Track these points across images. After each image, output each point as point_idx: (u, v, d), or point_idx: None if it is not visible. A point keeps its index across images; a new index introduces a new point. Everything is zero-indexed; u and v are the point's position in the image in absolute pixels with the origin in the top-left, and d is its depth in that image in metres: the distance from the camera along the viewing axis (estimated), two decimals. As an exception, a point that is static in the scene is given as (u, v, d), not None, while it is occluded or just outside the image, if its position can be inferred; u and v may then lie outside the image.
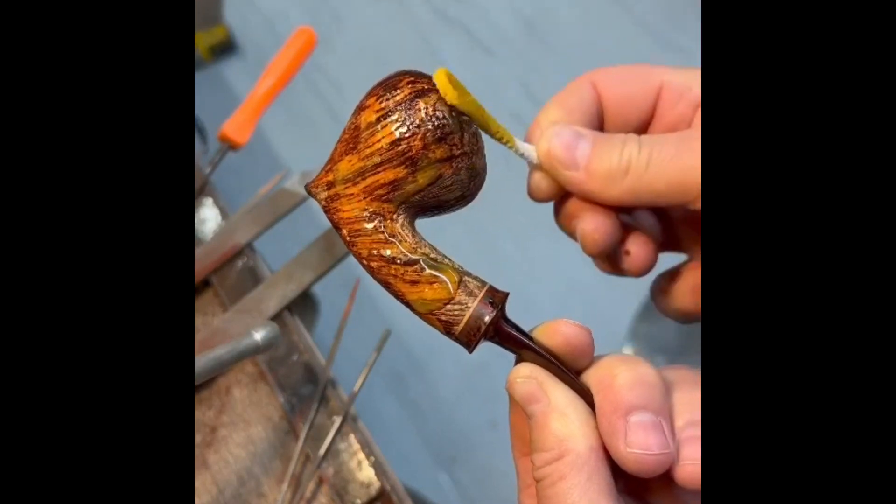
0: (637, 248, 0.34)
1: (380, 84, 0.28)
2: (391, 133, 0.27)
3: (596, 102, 0.34)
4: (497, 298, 0.28)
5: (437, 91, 0.28)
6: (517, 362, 0.29)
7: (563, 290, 1.27)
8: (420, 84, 0.28)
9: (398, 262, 0.28)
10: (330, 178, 0.29)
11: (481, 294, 0.28)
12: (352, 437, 0.54)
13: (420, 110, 0.27)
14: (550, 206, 0.35)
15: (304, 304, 0.63)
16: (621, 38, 1.61)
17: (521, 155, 0.32)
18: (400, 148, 0.27)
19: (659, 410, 0.26)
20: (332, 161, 0.29)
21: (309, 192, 0.29)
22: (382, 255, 0.28)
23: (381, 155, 0.27)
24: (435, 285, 0.28)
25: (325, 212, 0.29)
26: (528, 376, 0.28)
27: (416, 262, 0.28)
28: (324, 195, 0.29)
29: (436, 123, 0.27)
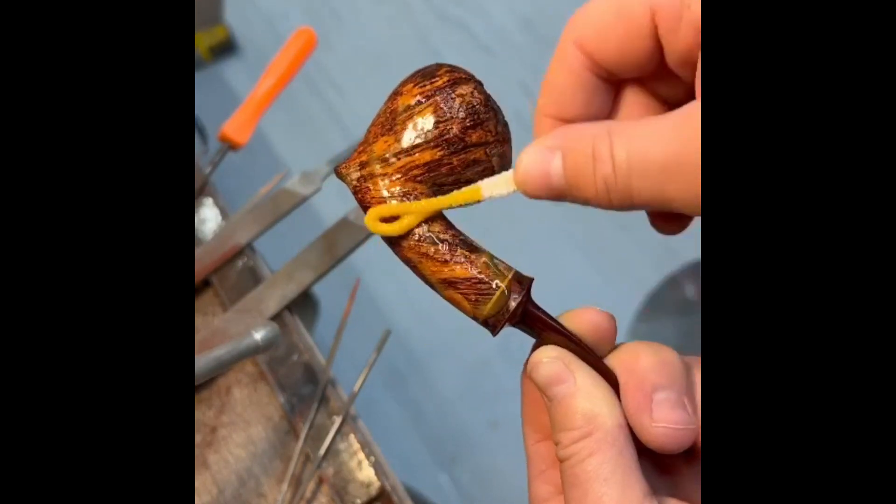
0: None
1: (417, 72, 0.29)
2: (430, 116, 0.28)
3: (588, 66, 0.30)
4: (525, 281, 0.28)
5: (473, 80, 0.29)
6: (535, 348, 0.29)
7: (563, 289, 1.27)
8: (458, 73, 0.29)
9: (430, 241, 0.28)
10: (364, 158, 0.29)
11: (510, 275, 0.28)
12: (352, 437, 0.54)
13: (458, 96, 0.29)
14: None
15: (304, 304, 0.63)
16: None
17: (503, 195, 0.29)
18: (438, 130, 0.28)
19: (681, 389, 0.27)
20: (366, 143, 0.29)
21: (338, 174, 0.29)
22: (414, 232, 0.28)
23: (419, 136, 0.28)
24: (465, 264, 0.28)
25: (355, 192, 0.29)
26: (555, 357, 0.28)
27: (447, 241, 0.28)
28: (356, 175, 0.29)
29: (473, 109, 0.29)
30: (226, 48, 1.65)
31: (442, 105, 0.28)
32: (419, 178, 0.28)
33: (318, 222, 1.29)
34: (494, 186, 0.29)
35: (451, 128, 0.28)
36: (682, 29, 0.27)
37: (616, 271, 1.33)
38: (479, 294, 0.28)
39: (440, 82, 0.29)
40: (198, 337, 0.57)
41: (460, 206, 0.29)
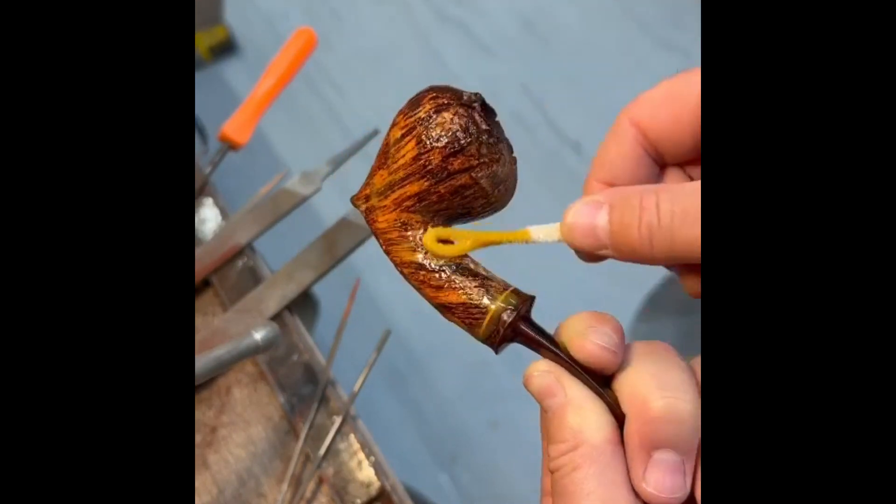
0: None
1: (409, 101, 0.30)
2: (413, 148, 0.29)
3: (640, 143, 0.32)
4: (518, 301, 0.29)
5: (456, 104, 0.29)
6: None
7: (563, 289, 1.27)
8: (441, 99, 0.29)
9: (426, 268, 0.30)
10: (367, 191, 0.31)
11: (501, 297, 0.29)
12: (352, 437, 0.54)
13: (438, 125, 0.29)
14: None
15: (304, 304, 0.63)
16: (621, 38, 1.61)
17: (549, 241, 0.31)
18: (420, 162, 0.29)
19: (686, 449, 0.26)
20: (370, 176, 0.31)
21: (354, 205, 0.31)
22: (413, 262, 0.30)
23: (405, 169, 0.30)
24: (458, 290, 0.29)
25: (367, 222, 0.31)
26: (546, 371, 0.29)
27: (441, 269, 0.30)
28: (363, 207, 0.31)
29: (453, 136, 0.29)
30: (226, 48, 1.65)
31: (423, 136, 0.29)
32: (412, 209, 0.30)
33: (318, 222, 1.29)
34: (542, 232, 0.30)
35: (432, 158, 0.29)
36: None
37: (616, 271, 1.33)
38: (472, 318, 0.29)
39: (422, 113, 0.29)
40: (198, 337, 0.57)
41: (511, 242, 0.30)
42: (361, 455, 0.54)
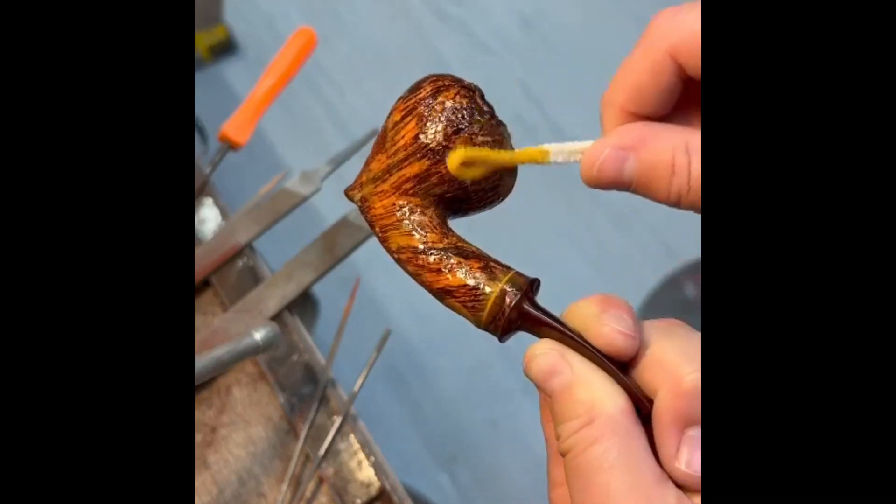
0: None
1: (408, 88, 0.30)
2: (413, 128, 0.29)
3: (676, 73, 0.28)
4: (521, 282, 0.28)
5: (457, 85, 0.29)
6: None
7: (564, 288, 1.27)
8: (441, 81, 0.29)
9: (424, 252, 0.29)
10: (364, 178, 0.30)
11: (505, 279, 0.28)
12: (352, 437, 0.54)
13: (439, 105, 0.29)
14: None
15: (304, 304, 0.63)
16: (621, 39, 1.60)
17: (566, 163, 0.30)
18: (421, 141, 0.29)
19: None
20: (367, 163, 0.30)
21: (348, 197, 0.31)
22: (410, 247, 0.29)
23: (405, 150, 0.29)
24: (458, 273, 0.28)
25: (362, 211, 0.30)
26: (550, 349, 0.27)
27: (441, 251, 0.29)
28: (358, 195, 0.30)
29: (454, 115, 0.29)
30: (226, 48, 1.65)
31: (424, 115, 0.29)
32: (411, 192, 0.29)
33: (318, 222, 1.29)
34: (561, 154, 0.29)
35: (434, 137, 0.29)
36: None
37: (616, 271, 1.33)
38: (475, 300, 0.28)
39: (423, 94, 0.29)
40: (198, 337, 0.57)
41: (527, 163, 0.29)
42: (361, 455, 0.54)
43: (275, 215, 0.63)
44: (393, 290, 1.33)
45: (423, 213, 0.29)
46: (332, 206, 0.92)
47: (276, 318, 0.59)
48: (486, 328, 0.28)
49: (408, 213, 0.29)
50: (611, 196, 1.43)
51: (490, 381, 1.28)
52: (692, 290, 1.27)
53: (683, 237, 1.32)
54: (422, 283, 0.29)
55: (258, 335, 0.44)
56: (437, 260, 0.29)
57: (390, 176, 0.29)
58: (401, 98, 0.30)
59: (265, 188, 0.66)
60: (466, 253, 0.29)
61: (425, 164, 0.29)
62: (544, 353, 0.27)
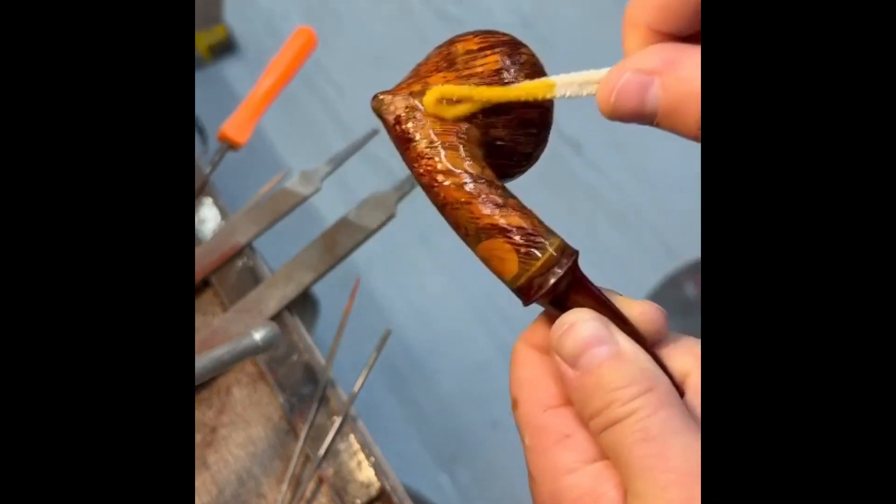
0: None
1: (472, 32, 0.29)
2: (496, 62, 0.28)
3: None
4: (570, 249, 0.27)
5: (529, 48, 0.29)
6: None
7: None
8: (517, 39, 0.29)
9: (482, 181, 0.27)
10: (416, 88, 0.28)
11: (560, 240, 0.27)
12: (352, 437, 0.54)
13: (522, 53, 0.29)
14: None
15: (303, 304, 0.63)
16: (621, 38, 1.60)
17: (575, 96, 0.28)
18: (501, 76, 0.28)
19: None
20: (418, 76, 0.29)
21: (378, 101, 0.28)
22: (466, 171, 0.27)
23: (481, 77, 0.28)
24: (521, 213, 0.26)
25: (397, 123, 0.28)
26: (593, 317, 0.26)
27: (500, 187, 0.27)
28: (402, 104, 0.28)
29: (535, 67, 0.29)
30: (225, 48, 1.65)
31: (508, 54, 0.29)
32: (474, 119, 0.28)
33: (318, 222, 1.29)
34: (570, 86, 0.27)
35: (516, 76, 0.28)
36: None
37: (616, 271, 1.33)
38: (533, 246, 0.26)
39: (503, 38, 0.29)
40: (198, 337, 0.57)
41: (528, 99, 0.28)
42: (361, 455, 0.54)
43: (274, 215, 0.63)
44: (393, 290, 1.33)
45: (479, 146, 0.28)
46: (332, 206, 0.92)
47: (276, 318, 0.59)
48: (526, 282, 0.26)
49: (466, 140, 0.27)
50: (611, 196, 1.44)
51: (490, 381, 1.28)
52: (692, 290, 1.27)
53: (683, 237, 1.32)
54: (463, 216, 0.27)
55: (258, 335, 0.44)
56: (501, 193, 0.27)
57: (461, 101, 0.28)
58: (472, 34, 0.29)
59: (265, 188, 0.66)
60: (520, 203, 0.27)
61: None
62: (588, 320, 0.26)
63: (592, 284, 0.27)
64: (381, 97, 0.28)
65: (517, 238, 0.26)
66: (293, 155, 1.52)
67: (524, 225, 0.26)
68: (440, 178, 0.27)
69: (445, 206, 0.27)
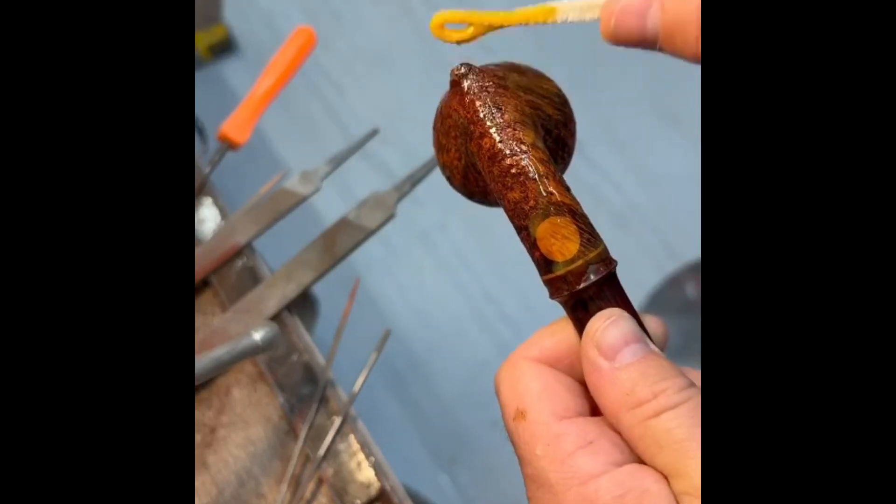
0: None
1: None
2: (558, 90, 0.31)
3: None
4: (609, 255, 0.28)
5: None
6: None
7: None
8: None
9: (554, 163, 0.28)
10: (500, 74, 0.29)
11: (604, 243, 0.28)
12: (352, 437, 0.54)
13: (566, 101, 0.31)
14: None
15: (303, 304, 0.63)
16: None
17: (578, 21, 0.28)
18: (562, 98, 0.31)
19: None
20: (502, 68, 0.30)
21: (463, 69, 0.29)
22: (543, 148, 0.28)
23: (547, 95, 0.29)
24: (581, 208, 0.27)
25: (482, 91, 0.28)
26: (629, 317, 0.27)
27: (562, 179, 0.28)
28: (492, 75, 0.29)
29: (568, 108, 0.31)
30: (225, 47, 1.65)
31: (560, 92, 0.31)
32: (534, 116, 0.29)
33: (318, 222, 1.29)
34: (573, 10, 0.27)
35: (567, 109, 0.31)
36: None
37: (617, 271, 1.33)
38: (592, 235, 0.27)
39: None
40: (198, 337, 0.57)
41: (531, 24, 0.28)
42: (361, 455, 0.54)
43: (274, 215, 0.63)
44: (393, 290, 1.33)
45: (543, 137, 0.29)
46: (332, 206, 0.92)
47: (276, 318, 0.59)
48: (579, 267, 0.27)
49: (536, 125, 0.28)
50: (611, 196, 1.44)
51: (490, 381, 1.27)
52: (692, 290, 1.27)
53: (684, 237, 1.32)
54: (532, 189, 0.27)
55: (258, 335, 0.44)
56: (563, 181, 0.27)
57: (530, 92, 0.29)
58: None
59: (265, 188, 0.65)
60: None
61: (556, 112, 0.30)
62: (628, 318, 0.27)
63: (624, 293, 0.28)
64: (469, 64, 0.29)
65: (582, 224, 0.27)
66: (293, 155, 1.52)
67: (586, 215, 0.27)
68: (525, 147, 0.27)
69: (520, 175, 0.27)
